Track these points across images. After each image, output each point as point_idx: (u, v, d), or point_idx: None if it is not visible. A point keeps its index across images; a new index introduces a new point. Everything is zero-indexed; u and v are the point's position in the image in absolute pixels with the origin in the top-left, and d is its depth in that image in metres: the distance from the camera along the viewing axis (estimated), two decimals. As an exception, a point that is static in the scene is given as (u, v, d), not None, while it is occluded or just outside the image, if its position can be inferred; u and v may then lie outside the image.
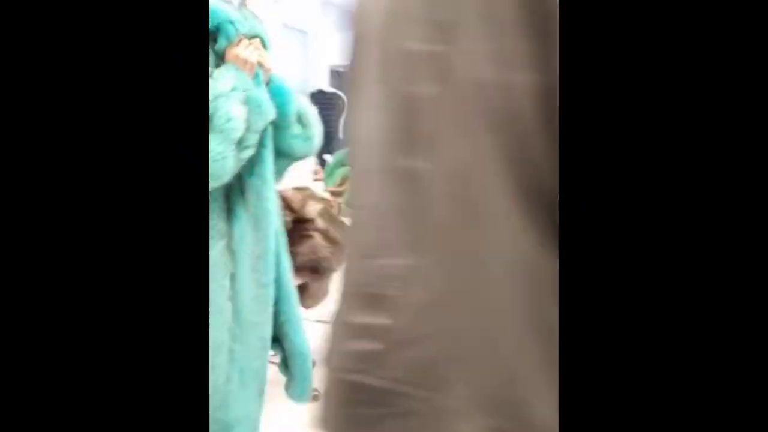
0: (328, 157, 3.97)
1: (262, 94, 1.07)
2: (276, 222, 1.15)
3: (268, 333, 1.16)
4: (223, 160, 1.00)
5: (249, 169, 1.09)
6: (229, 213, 1.09)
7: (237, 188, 1.10)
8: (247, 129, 1.03)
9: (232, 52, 1.06)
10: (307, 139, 1.21)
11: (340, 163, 3.33)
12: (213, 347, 1.05)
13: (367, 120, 0.62)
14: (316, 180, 3.17)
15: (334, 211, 2.30)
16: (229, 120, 1.00)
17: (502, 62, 0.53)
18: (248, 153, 1.05)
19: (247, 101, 1.03)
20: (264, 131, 1.09)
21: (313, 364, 1.20)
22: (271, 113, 1.09)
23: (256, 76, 1.08)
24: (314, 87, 5.14)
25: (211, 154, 0.97)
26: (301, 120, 1.20)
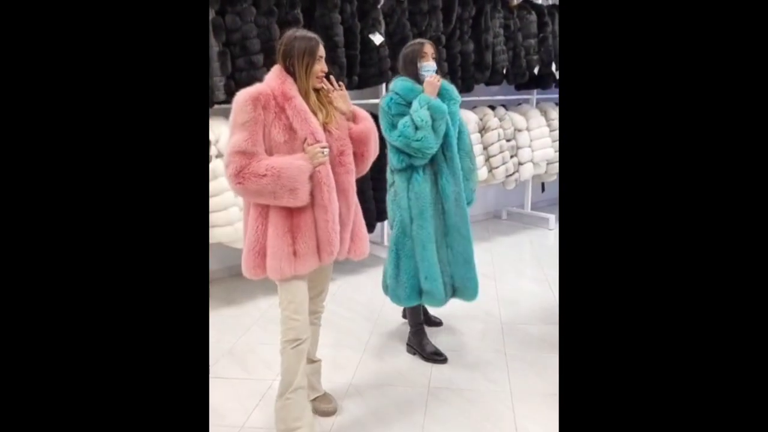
0: None
1: (438, 102, 2.38)
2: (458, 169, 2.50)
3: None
4: (425, 138, 2.33)
5: (443, 140, 2.43)
6: (438, 167, 2.47)
7: (440, 151, 2.45)
8: (434, 120, 2.34)
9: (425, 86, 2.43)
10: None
11: None
12: (430, 240, 2.49)
13: None
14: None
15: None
16: (421, 119, 2.31)
17: None
18: (442, 130, 2.38)
19: (429, 108, 2.35)
20: (447, 119, 2.41)
21: None
22: (445, 110, 2.39)
23: (439, 94, 2.43)
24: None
25: (421, 137, 2.33)
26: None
